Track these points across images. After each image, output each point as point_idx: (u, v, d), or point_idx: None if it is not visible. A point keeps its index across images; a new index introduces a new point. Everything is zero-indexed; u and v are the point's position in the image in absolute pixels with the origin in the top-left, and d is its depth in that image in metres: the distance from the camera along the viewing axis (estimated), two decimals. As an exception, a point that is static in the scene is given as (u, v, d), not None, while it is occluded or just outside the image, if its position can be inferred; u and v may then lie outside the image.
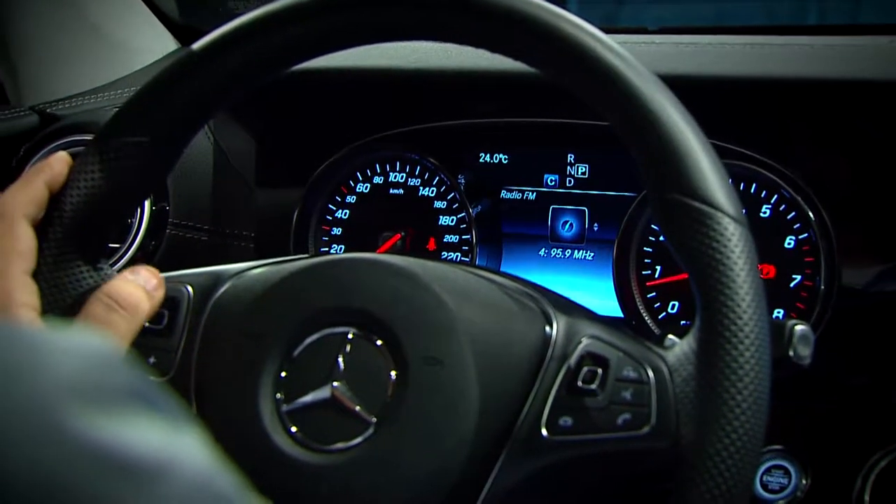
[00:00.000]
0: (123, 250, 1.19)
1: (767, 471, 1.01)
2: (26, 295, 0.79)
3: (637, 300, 1.15)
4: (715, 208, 0.69)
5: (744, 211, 0.71)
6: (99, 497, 0.34)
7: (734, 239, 0.69)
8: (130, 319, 0.79)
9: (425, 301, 0.75)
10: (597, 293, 1.19)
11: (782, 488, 1.01)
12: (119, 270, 1.16)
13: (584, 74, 0.74)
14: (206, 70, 0.81)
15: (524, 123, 1.23)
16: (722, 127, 1.12)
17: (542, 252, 1.23)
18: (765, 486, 1.01)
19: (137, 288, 0.81)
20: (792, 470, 1.01)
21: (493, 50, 0.78)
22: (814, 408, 1.04)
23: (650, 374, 0.71)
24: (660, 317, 1.14)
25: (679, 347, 0.72)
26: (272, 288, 0.79)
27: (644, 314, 1.14)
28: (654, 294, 1.15)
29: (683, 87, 1.10)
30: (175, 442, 0.38)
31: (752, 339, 0.67)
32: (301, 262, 0.81)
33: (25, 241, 0.80)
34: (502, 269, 1.23)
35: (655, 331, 1.12)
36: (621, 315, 1.16)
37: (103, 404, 0.36)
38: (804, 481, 1.01)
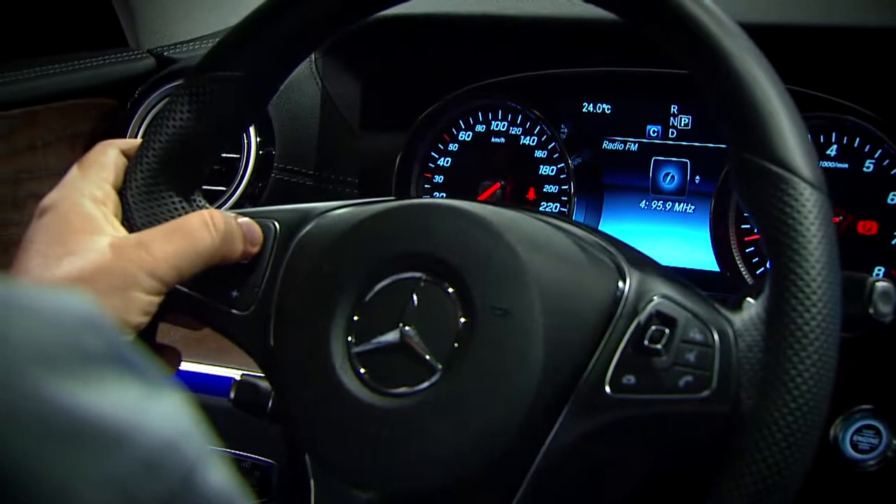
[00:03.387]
0: (229, 193, 1.22)
1: (858, 430, 0.99)
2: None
3: (735, 254, 1.13)
4: (792, 172, 0.68)
5: (823, 176, 0.69)
6: (54, 465, 0.33)
7: (809, 205, 0.67)
8: (218, 245, 0.81)
9: (496, 250, 0.75)
10: (696, 246, 1.18)
11: (872, 448, 0.99)
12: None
13: (663, 23, 0.73)
14: (297, 9, 0.83)
15: (628, 73, 1.22)
16: (828, 79, 1.09)
17: (642, 204, 1.22)
18: (855, 446, 0.99)
19: (237, 227, 0.83)
20: (882, 430, 0.99)
21: None
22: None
23: (715, 337, 0.70)
24: (758, 272, 1.13)
25: (747, 312, 0.71)
26: (350, 230, 0.80)
27: (742, 268, 1.13)
28: (752, 249, 1.13)
29: (791, 37, 1.09)
30: (144, 407, 0.37)
31: (819, 308, 0.65)
32: (380, 205, 0.82)
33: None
34: (602, 220, 1.23)
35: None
36: (717, 268, 1.14)
37: (73, 368, 0.36)
38: (895, 441, 0.99)
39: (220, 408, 1.07)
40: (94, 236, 0.79)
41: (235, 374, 1.03)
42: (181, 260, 0.79)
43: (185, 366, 1.19)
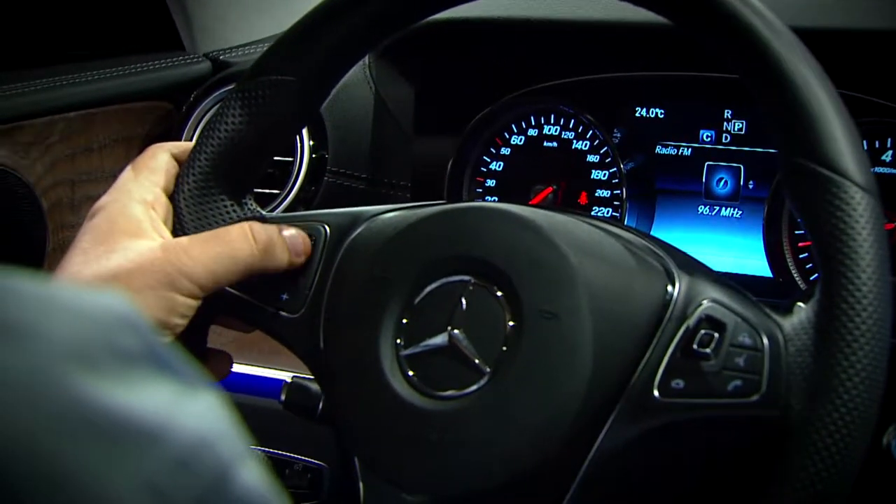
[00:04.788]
0: (283, 196, 1.22)
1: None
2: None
3: (788, 260, 1.13)
4: (843, 176, 0.67)
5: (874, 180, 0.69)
6: (88, 463, 0.33)
7: (860, 209, 0.67)
8: (256, 258, 0.82)
9: (546, 254, 0.75)
10: (749, 251, 1.17)
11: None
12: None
13: (714, 27, 0.73)
14: (348, 14, 0.83)
15: (681, 77, 1.21)
16: (883, 84, 1.08)
17: (695, 209, 1.21)
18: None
19: (280, 239, 0.84)
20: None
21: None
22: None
23: (765, 341, 0.70)
24: (811, 278, 1.12)
25: (797, 316, 0.70)
26: (399, 233, 0.80)
27: (795, 274, 1.12)
28: (806, 255, 1.12)
29: (844, 41, 1.08)
30: (178, 406, 0.37)
31: (870, 313, 0.65)
32: (431, 208, 0.82)
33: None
34: (655, 225, 1.22)
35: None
36: (770, 274, 1.14)
37: (107, 367, 0.35)
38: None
39: (271, 410, 1.08)
40: (137, 238, 0.80)
41: (286, 377, 1.04)
42: (218, 266, 0.80)
43: (237, 368, 1.21)
